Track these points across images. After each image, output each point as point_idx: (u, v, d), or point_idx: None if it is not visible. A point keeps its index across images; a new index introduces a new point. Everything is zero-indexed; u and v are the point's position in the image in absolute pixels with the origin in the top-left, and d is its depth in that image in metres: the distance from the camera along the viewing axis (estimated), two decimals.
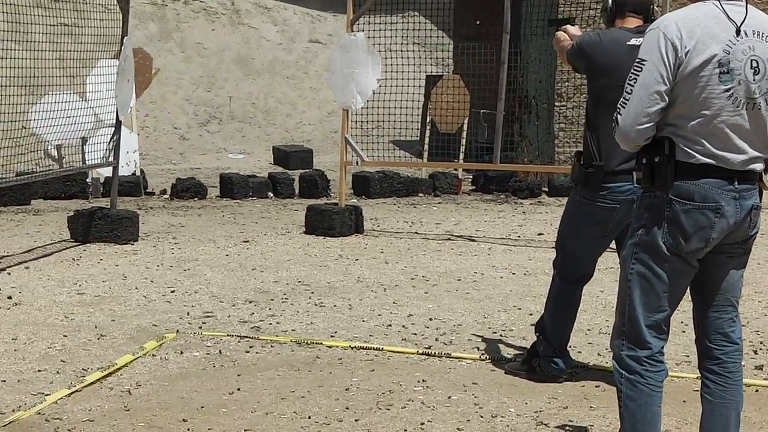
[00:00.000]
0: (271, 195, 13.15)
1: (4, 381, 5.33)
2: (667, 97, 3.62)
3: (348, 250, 9.44)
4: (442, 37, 18.23)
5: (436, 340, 6.37)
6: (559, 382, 5.49)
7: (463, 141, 14.04)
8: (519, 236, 10.45)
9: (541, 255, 9.20)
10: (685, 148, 3.65)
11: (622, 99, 3.69)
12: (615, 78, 5.06)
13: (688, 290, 3.90)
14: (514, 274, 8.46)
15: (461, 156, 13.92)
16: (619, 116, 3.68)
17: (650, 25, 3.75)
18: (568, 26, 5.61)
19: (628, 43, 5.12)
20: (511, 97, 13.38)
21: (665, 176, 3.66)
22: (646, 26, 5.21)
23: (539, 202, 13.20)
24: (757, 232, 3.83)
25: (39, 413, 4.81)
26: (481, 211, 12.36)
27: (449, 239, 10.19)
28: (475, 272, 8.46)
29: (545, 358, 5.52)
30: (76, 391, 5.15)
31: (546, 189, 13.70)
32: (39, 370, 5.55)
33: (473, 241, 10.12)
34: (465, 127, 14.08)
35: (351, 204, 10.95)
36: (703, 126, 3.62)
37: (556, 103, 14.40)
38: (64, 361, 5.72)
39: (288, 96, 20.20)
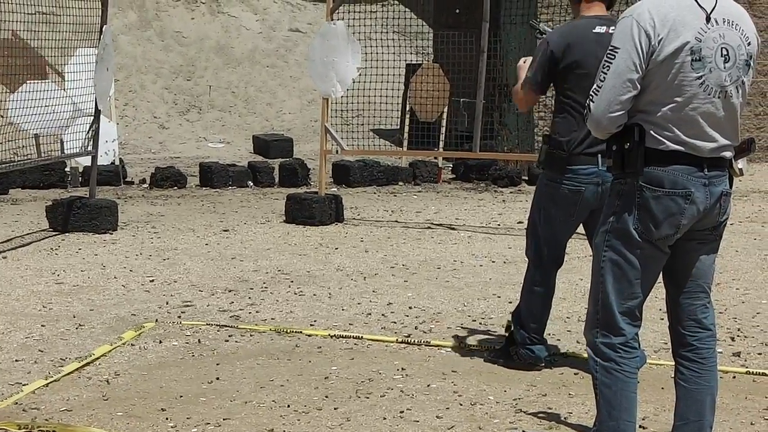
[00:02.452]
0: (251, 184, 13.12)
1: None
2: (639, 85, 3.63)
3: (328, 238, 9.44)
4: (422, 25, 18.21)
5: (416, 328, 6.37)
6: (537, 369, 5.50)
7: (443, 129, 14.04)
8: (499, 224, 10.46)
9: (520, 243, 9.15)
10: (655, 135, 3.66)
11: (594, 86, 3.69)
12: (579, 64, 5.23)
13: (661, 277, 3.92)
14: (493, 262, 8.47)
15: (441, 144, 13.92)
16: (591, 103, 3.69)
17: (624, 12, 3.75)
18: (521, 63, 5.58)
19: (593, 31, 5.24)
20: (490, 85, 13.38)
21: (635, 163, 3.67)
22: (607, 15, 5.31)
23: (519, 190, 13.22)
24: (727, 219, 3.85)
25: (16, 403, 4.79)
26: (461, 199, 12.37)
27: (429, 228, 10.19)
28: (455, 260, 8.47)
29: (522, 346, 5.53)
30: (54, 380, 5.13)
31: (526, 177, 13.72)
32: (16, 360, 5.52)
33: (453, 229, 10.13)
34: (445, 115, 14.08)
35: (331, 193, 10.95)
36: (675, 112, 3.64)
37: None
38: (41, 351, 5.70)
39: (268, 85, 20.15)
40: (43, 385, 5.05)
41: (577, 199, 5.29)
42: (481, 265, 8.32)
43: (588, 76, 5.09)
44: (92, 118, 10.04)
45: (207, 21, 21.36)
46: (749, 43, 3.69)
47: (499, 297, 7.16)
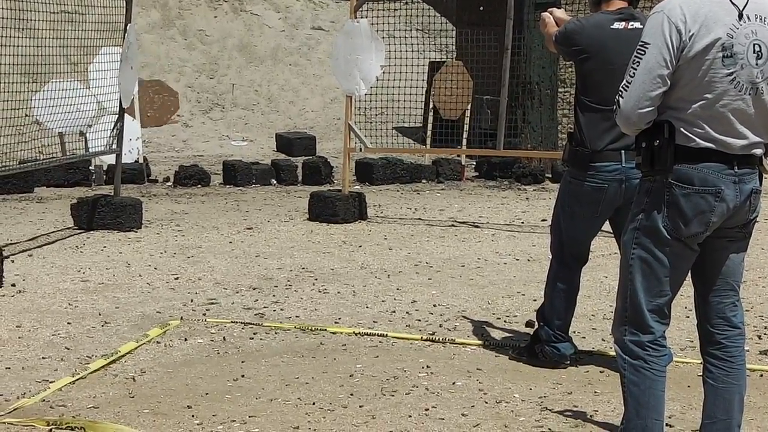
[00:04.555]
0: (275, 182, 13.13)
1: (9, 368, 5.34)
2: (669, 81, 3.61)
3: (351, 236, 9.44)
4: (445, 23, 18.18)
5: (440, 326, 6.37)
6: (563, 367, 5.49)
7: (466, 127, 14.02)
8: (522, 222, 10.44)
9: (544, 241, 9.14)
10: (686, 132, 3.64)
11: (624, 82, 3.67)
12: (599, 61, 5.19)
13: (690, 275, 3.90)
14: (517, 260, 8.45)
15: (464, 142, 13.89)
16: (621, 99, 3.67)
17: (655, 7, 3.73)
18: (554, 9, 5.62)
19: (611, 27, 5.22)
20: (514, 83, 13.35)
21: (665, 160, 3.65)
22: (629, 9, 5.28)
23: (543, 188, 13.18)
24: (757, 216, 3.82)
25: (43, 400, 4.81)
26: (484, 197, 12.34)
27: (453, 225, 10.18)
28: (479, 258, 8.45)
29: (547, 343, 5.52)
30: (81, 378, 5.16)
31: (549, 175, 13.67)
32: (43, 357, 5.55)
33: (477, 227, 10.12)
34: (468, 113, 14.05)
35: (354, 191, 10.95)
36: (705, 109, 3.62)
37: (560, 89, 14.36)
38: (68, 349, 5.73)
39: (291, 83, 20.16)
40: (70, 383, 5.08)
41: (601, 196, 5.27)
42: (505, 263, 8.30)
43: (605, 72, 5.09)
44: (116, 116, 10.07)
45: (230, 19, 21.39)
46: None
47: (524, 295, 7.15)
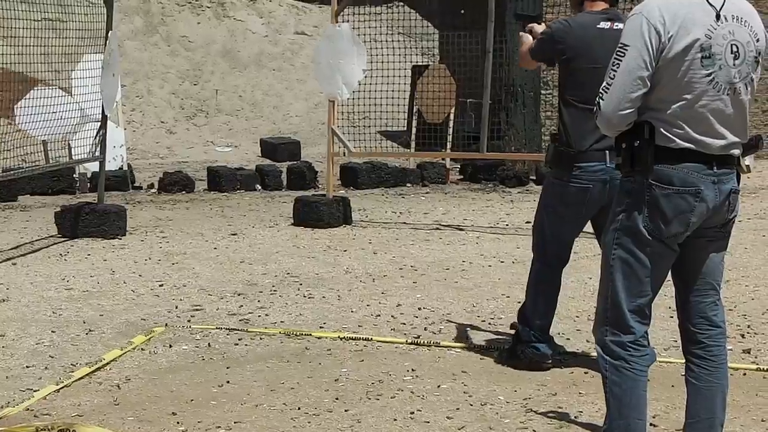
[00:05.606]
0: (259, 187, 13.13)
1: None
2: (649, 83, 3.62)
3: (336, 241, 9.44)
4: (428, 26, 18.20)
5: (425, 329, 6.37)
6: (546, 368, 5.50)
7: (450, 130, 14.04)
8: (507, 225, 10.46)
9: (529, 243, 9.12)
10: (665, 133, 3.65)
11: (604, 84, 3.68)
12: (584, 60, 5.24)
13: (671, 275, 3.92)
14: (502, 262, 8.47)
15: (449, 145, 13.91)
16: (601, 101, 3.68)
17: (633, 9, 3.75)
18: (534, 25, 5.63)
19: (597, 26, 5.27)
20: (497, 85, 13.36)
21: (645, 161, 3.66)
22: (613, 9, 5.30)
23: (527, 190, 13.21)
24: (735, 216, 3.84)
25: (27, 409, 4.80)
26: (469, 200, 12.37)
27: (438, 229, 10.19)
28: (464, 261, 8.47)
29: (527, 344, 5.52)
30: (65, 386, 5.15)
31: (534, 177, 13.71)
32: (27, 366, 5.53)
33: (461, 230, 10.13)
34: (452, 116, 14.07)
35: (339, 195, 10.95)
36: (685, 110, 3.63)
37: (543, 91, 14.41)
38: (52, 357, 5.71)
39: (275, 88, 20.15)
40: (54, 391, 5.06)
41: (585, 197, 5.29)
42: (490, 266, 8.32)
43: (591, 71, 5.10)
44: (99, 123, 10.05)
45: (213, 25, 21.38)
46: (758, 40, 3.69)
47: (509, 297, 7.16)
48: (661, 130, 3.66)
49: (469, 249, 9.06)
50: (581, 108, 5.21)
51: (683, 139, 3.65)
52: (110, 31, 9.89)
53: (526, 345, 5.53)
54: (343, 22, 10.75)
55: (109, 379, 5.32)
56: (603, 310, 3.87)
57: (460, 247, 9.13)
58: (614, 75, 3.65)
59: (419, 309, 6.85)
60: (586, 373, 5.45)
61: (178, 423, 4.67)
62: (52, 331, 6.23)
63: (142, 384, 5.26)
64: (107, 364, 5.56)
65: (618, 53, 3.66)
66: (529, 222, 10.28)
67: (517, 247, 9.04)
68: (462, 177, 14.26)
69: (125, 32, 19.38)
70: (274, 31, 21.85)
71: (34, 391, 5.07)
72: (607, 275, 3.84)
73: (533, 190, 13.12)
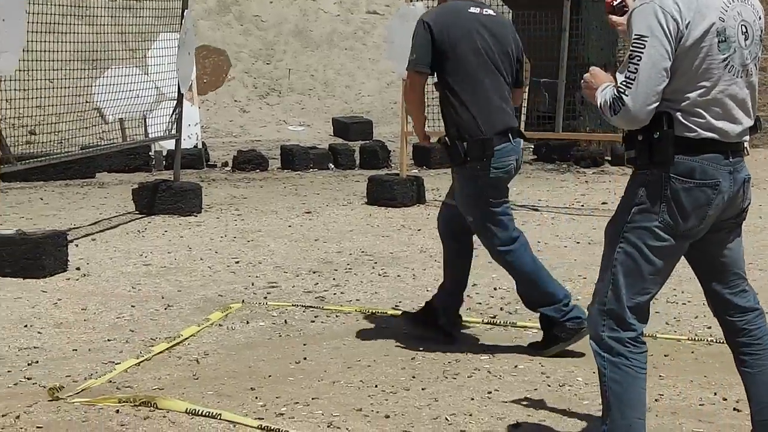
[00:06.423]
0: (332, 166, 13.16)
1: (76, 350, 5.41)
2: (669, 73, 3.46)
3: (410, 220, 9.44)
4: (501, 5, 18.08)
5: (501, 309, 6.35)
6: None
7: (524, 110, 13.94)
8: (582, 205, 10.37)
9: (604, 224, 9.10)
10: (686, 122, 3.50)
11: (624, 79, 3.47)
12: (467, 46, 5.28)
13: (696, 274, 3.82)
14: (578, 243, 8.40)
15: (522, 125, 13.82)
16: (625, 97, 3.45)
17: None
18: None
19: (468, 11, 5.34)
20: (572, 64, 13.23)
21: (666, 153, 3.49)
22: None
23: (602, 171, 13.08)
24: (749, 204, 3.72)
25: (110, 381, 4.87)
26: (543, 180, 12.29)
27: (512, 209, 10.12)
28: (539, 242, 8.40)
29: (562, 324, 5.38)
30: (145, 360, 5.21)
31: (609, 158, 13.56)
32: (108, 340, 5.62)
33: (536, 210, 10.07)
34: (525, 96, 13.97)
35: (412, 174, 10.94)
36: (704, 97, 3.49)
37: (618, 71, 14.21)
38: (132, 331, 5.79)
39: (346, 67, 20.18)
40: (135, 364, 5.13)
41: (506, 178, 5.53)
42: (565, 246, 8.26)
43: (468, 56, 5.24)
44: (175, 102, 10.15)
45: (285, 4, 21.44)
46: (760, 18, 3.58)
47: (585, 278, 7.10)
48: (681, 119, 3.50)
49: (544, 230, 9.00)
50: (455, 96, 5.40)
51: (704, 129, 3.50)
52: (186, 10, 9.96)
53: (560, 325, 5.37)
54: (416, 0, 10.70)
55: (188, 354, 5.38)
56: (601, 304, 3.69)
57: (535, 228, 9.06)
58: (636, 68, 3.44)
59: (494, 289, 6.83)
60: (666, 356, 5.38)
61: (256, 398, 4.70)
62: (132, 306, 6.31)
63: (221, 359, 5.31)
64: (185, 339, 5.62)
65: (636, 45, 3.45)
66: (605, 203, 10.22)
67: (593, 228, 8.96)
68: (536, 157, 14.16)
69: (198, 12, 19.51)
70: (346, 10, 21.86)
71: (116, 364, 5.14)
72: (609, 269, 3.67)
73: (608, 170, 12.99)
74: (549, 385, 4.93)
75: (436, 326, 5.59)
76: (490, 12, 5.40)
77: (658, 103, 3.47)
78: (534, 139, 14.09)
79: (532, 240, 8.39)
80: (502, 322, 6.01)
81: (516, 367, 5.20)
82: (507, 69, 5.46)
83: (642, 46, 3.43)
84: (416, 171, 12.50)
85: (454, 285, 5.67)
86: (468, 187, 5.40)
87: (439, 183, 11.78)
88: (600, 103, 3.58)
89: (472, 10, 5.33)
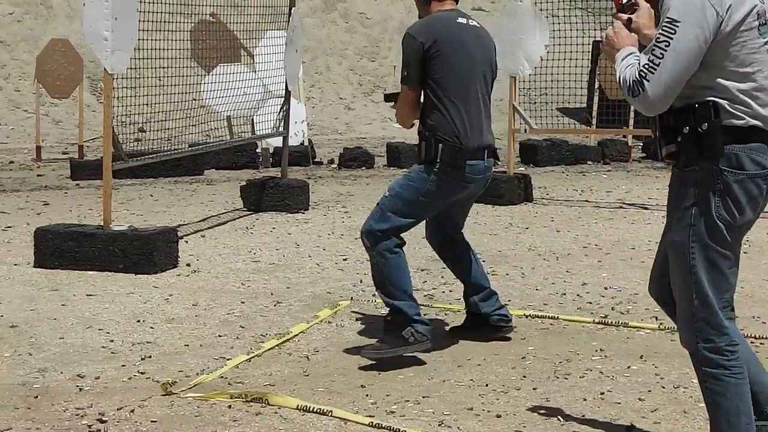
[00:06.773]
0: None
1: (187, 345, 5.47)
2: (699, 62, 3.29)
3: (518, 218, 9.36)
4: (608, 0, 17.84)
5: (612, 309, 6.24)
6: None
7: (632, 107, 13.73)
8: None
9: None
10: (732, 110, 3.33)
11: (648, 63, 3.30)
12: (459, 57, 5.20)
13: None
14: None
15: (631, 122, 13.61)
16: (645, 82, 3.28)
17: None
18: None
19: (456, 21, 5.27)
20: None
21: (715, 145, 3.31)
22: (459, 9, 5.36)
23: None
24: None
25: (221, 377, 4.90)
26: (652, 178, 12.08)
27: (621, 207, 9.98)
28: (650, 241, 8.25)
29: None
30: (256, 356, 5.24)
31: None
32: (219, 336, 5.66)
33: (646, 209, 9.90)
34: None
35: (519, 172, 10.85)
36: (748, 84, 3.33)
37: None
38: (242, 327, 5.83)
39: None
40: (246, 360, 5.16)
41: (465, 191, 5.37)
42: None
43: (460, 66, 5.17)
44: (282, 99, 10.22)
45: (390, 2, 21.48)
46: None
47: None
48: (728, 107, 3.33)
49: (654, 229, 8.83)
50: (449, 104, 5.27)
51: (751, 117, 3.34)
52: (293, 8, 10.02)
53: None
54: None
55: (298, 351, 5.39)
56: (691, 316, 3.53)
57: (645, 227, 8.91)
58: (662, 54, 3.26)
59: (605, 288, 6.72)
60: None
61: (367, 396, 4.69)
62: (242, 302, 6.36)
63: (330, 356, 5.31)
64: (295, 336, 5.63)
65: (666, 30, 3.27)
66: None
67: None
68: (644, 155, 13.94)
69: (304, 9, 19.65)
70: None
71: (227, 359, 5.18)
72: (689, 277, 3.49)
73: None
74: (663, 387, 4.82)
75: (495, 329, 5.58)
76: (475, 23, 5.38)
77: (679, 92, 3.31)
78: (642, 136, 13.88)
79: (642, 239, 8.30)
80: (613, 321, 5.90)
81: (629, 367, 5.10)
82: (490, 80, 5.47)
83: (672, 32, 3.26)
84: (523, 169, 12.40)
85: (477, 288, 5.62)
86: (416, 180, 5.33)
87: (546, 181, 11.67)
88: (619, 76, 3.43)
89: (460, 20, 5.31)
